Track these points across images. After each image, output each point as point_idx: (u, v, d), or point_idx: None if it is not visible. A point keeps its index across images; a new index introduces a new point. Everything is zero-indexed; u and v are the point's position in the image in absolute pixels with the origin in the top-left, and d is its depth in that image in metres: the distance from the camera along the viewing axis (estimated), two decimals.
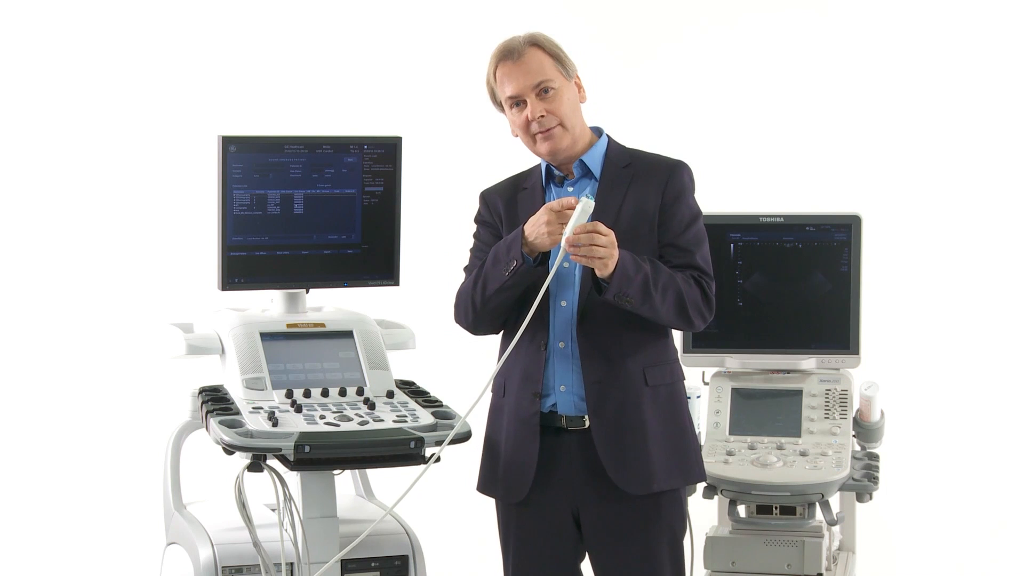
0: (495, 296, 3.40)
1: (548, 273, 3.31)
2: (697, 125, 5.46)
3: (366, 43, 5.54)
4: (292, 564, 3.44)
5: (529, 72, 3.40)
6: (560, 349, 3.42)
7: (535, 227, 3.31)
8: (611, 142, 3.53)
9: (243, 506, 3.44)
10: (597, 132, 3.53)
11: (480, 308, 3.45)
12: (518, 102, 3.42)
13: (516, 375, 3.45)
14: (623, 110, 5.22)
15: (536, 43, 3.43)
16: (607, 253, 3.24)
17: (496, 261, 3.40)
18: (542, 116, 3.39)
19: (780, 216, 4.02)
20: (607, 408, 3.39)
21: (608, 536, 3.44)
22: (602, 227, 3.25)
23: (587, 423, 3.40)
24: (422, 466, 3.32)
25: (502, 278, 3.37)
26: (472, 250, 3.60)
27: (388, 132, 3.71)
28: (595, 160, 3.48)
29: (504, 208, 3.53)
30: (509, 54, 3.42)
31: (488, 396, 3.52)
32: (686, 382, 3.86)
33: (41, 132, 5.33)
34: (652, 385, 3.42)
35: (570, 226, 3.24)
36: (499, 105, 3.49)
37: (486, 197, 3.60)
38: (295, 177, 3.60)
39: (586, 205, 3.24)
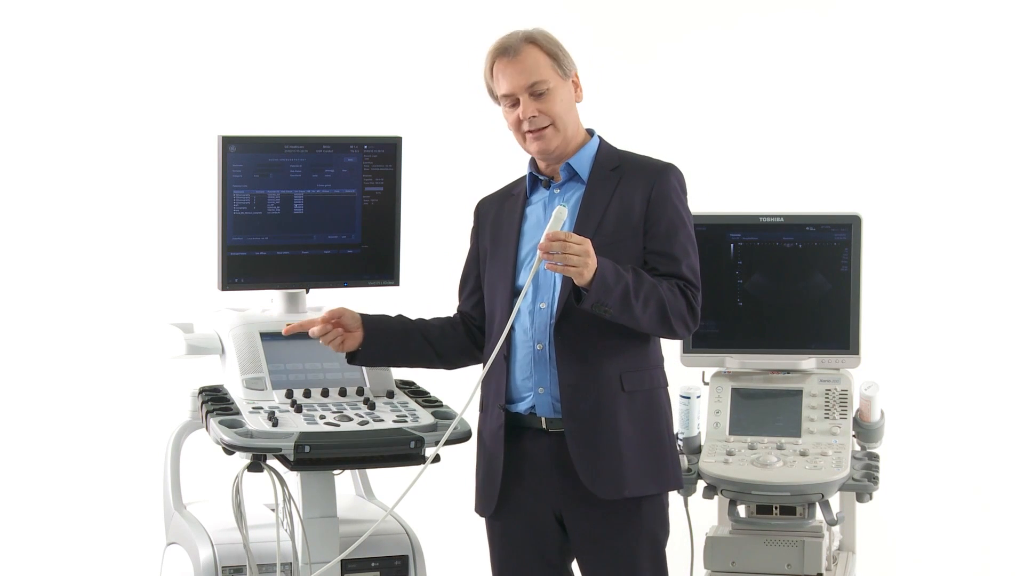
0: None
1: (513, 286, 3.36)
2: (697, 125, 5.45)
3: (366, 43, 5.53)
4: (289, 564, 3.44)
5: (524, 71, 3.37)
6: (538, 351, 3.39)
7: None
8: (602, 144, 3.48)
9: (238, 507, 3.44)
10: (589, 133, 3.49)
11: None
12: (513, 101, 3.40)
13: (491, 391, 3.45)
14: (623, 110, 5.22)
15: (533, 41, 3.40)
16: (581, 262, 3.18)
17: None
18: (534, 116, 3.37)
19: (780, 216, 4.01)
20: (580, 411, 3.36)
21: (589, 540, 3.43)
22: (575, 236, 3.20)
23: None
24: (424, 465, 3.33)
25: None
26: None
27: (388, 132, 3.71)
28: (583, 163, 3.44)
29: (493, 217, 3.53)
30: (505, 51, 3.39)
31: (476, 393, 3.52)
32: (686, 383, 3.88)
33: (41, 132, 5.33)
34: (629, 391, 3.38)
35: (544, 232, 3.20)
36: (495, 99, 3.47)
37: (479, 209, 3.59)
38: (295, 177, 3.61)
39: (559, 212, 3.21)
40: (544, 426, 3.39)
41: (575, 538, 3.44)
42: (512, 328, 3.35)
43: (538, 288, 3.40)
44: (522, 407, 3.41)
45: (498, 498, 3.42)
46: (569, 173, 3.44)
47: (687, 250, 3.40)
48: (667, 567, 3.51)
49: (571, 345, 3.35)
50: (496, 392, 3.41)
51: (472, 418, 3.46)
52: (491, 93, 3.47)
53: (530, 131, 3.38)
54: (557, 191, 3.44)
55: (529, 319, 3.39)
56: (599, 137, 3.50)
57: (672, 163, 3.45)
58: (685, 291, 3.35)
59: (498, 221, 3.51)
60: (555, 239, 3.17)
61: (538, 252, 3.20)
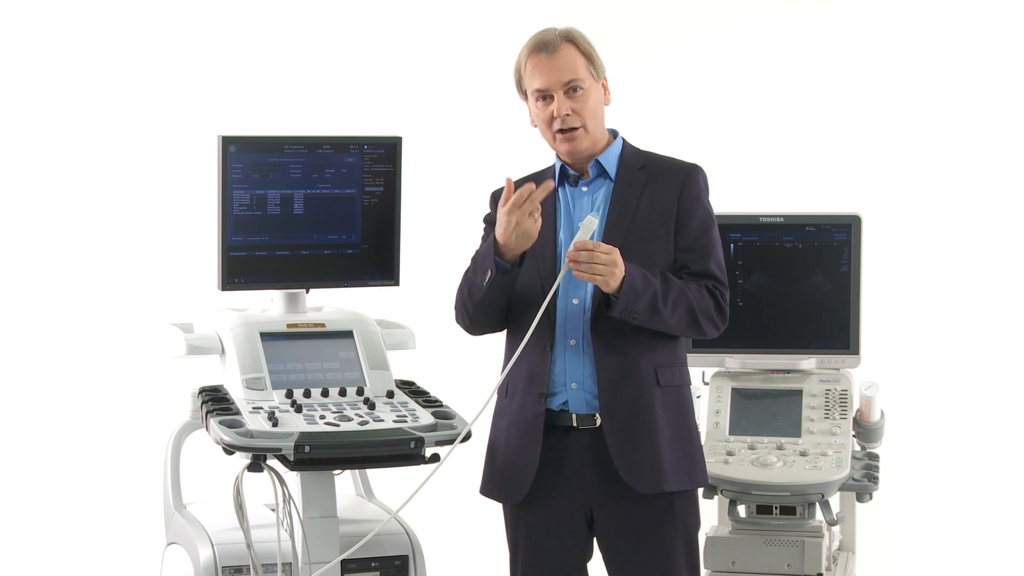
0: (481, 304, 3.43)
1: (549, 278, 3.35)
2: (697, 125, 5.46)
3: (366, 43, 5.54)
4: (289, 565, 3.44)
5: (561, 68, 3.40)
6: (571, 346, 3.42)
7: (504, 232, 3.31)
8: (625, 144, 3.53)
9: (240, 507, 3.44)
10: (613, 133, 3.53)
11: (473, 312, 3.47)
12: (545, 96, 3.42)
13: (521, 377, 3.45)
14: (622, 110, 5.21)
15: (571, 39, 3.43)
16: (607, 271, 3.25)
17: (475, 269, 3.43)
18: (567, 115, 3.40)
19: (780, 216, 4.02)
20: (619, 406, 3.39)
21: (623, 536, 3.44)
22: (603, 246, 3.26)
23: (598, 421, 3.41)
24: (426, 467, 3.33)
25: (482, 288, 3.39)
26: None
27: (388, 132, 3.71)
28: (611, 161, 3.49)
29: None
30: (544, 47, 3.42)
31: (492, 397, 3.52)
32: None
33: (41, 132, 5.33)
34: (663, 386, 3.43)
35: (573, 242, 3.26)
36: (523, 94, 3.49)
37: (498, 197, 3.59)
38: (295, 177, 3.60)
39: (589, 222, 3.27)
40: (575, 423, 3.41)
41: (606, 535, 3.46)
42: (546, 320, 3.37)
43: (570, 284, 3.42)
44: (555, 402, 3.43)
45: (529, 489, 3.43)
46: (598, 170, 3.49)
47: (716, 247, 3.48)
48: (699, 560, 3.53)
49: (609, 340, 3.39)
50: (536, 380, 3.42)
51: (471, 412, 3.46)
52: (519, 87, 3.49)
53: (561, 131, 3.41)
54: (585, 188, 3.48)
55: (563, 315, 3.41)
56: (622, 137, 3.54)
57: (698, 164, 3.51)
58: (714, 292, 3.42)
59: None
60: (583, 248, 3.24)
61: (565, 259, 3.26)
